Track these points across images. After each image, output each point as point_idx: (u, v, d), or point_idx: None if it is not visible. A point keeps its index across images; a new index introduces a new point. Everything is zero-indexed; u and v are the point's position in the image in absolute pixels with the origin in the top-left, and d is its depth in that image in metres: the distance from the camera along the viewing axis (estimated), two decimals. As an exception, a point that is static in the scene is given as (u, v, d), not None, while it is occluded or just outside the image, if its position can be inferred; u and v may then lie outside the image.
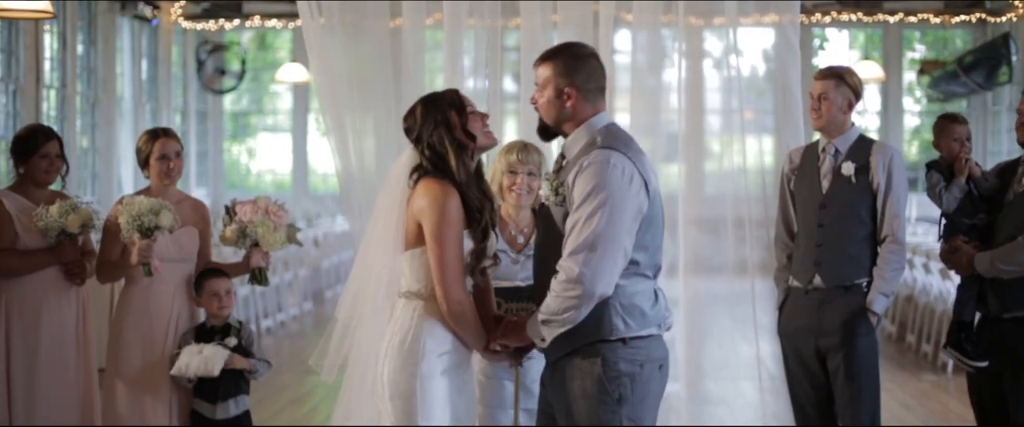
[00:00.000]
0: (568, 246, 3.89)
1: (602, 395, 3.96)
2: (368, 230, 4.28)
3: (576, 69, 4.06)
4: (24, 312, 5.62)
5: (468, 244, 4.12)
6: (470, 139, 4.13)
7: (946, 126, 5.57)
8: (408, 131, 4.20)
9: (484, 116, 4.22)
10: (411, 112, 4.21)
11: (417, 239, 4.10)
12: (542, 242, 4.16)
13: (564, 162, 4.10)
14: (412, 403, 4.04)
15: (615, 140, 4.01)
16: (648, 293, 4.04)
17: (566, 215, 3.97)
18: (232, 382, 5.48)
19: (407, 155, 4.21)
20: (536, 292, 4.11)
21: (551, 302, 3.92)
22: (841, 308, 5.48)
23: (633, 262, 3.96)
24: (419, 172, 4.14)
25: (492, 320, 4.24)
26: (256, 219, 5.46)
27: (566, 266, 3.88)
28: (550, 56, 4.12)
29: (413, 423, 4.04)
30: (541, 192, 4.13)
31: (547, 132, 4.17)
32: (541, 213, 4.17)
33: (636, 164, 3.96)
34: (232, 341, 5.49)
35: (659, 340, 4.08)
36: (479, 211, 4.12)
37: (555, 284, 3.90)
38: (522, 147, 5.03)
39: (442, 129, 4.11)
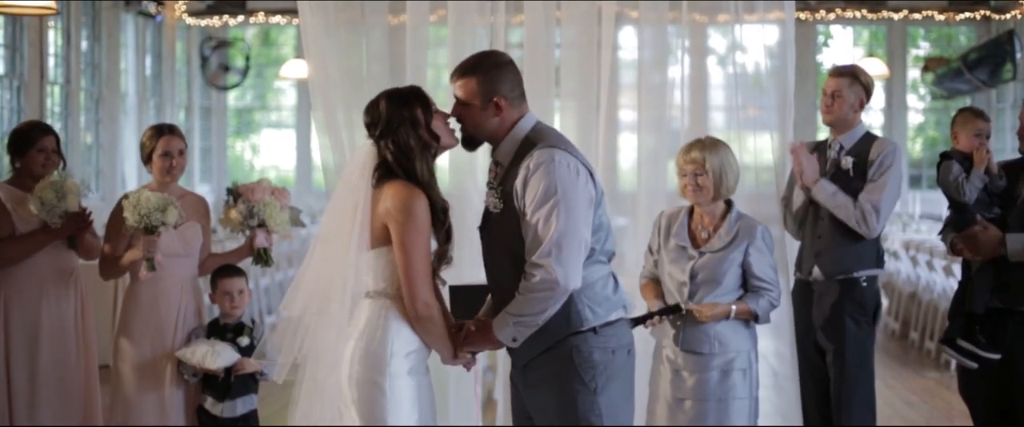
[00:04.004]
0: (533, 249, 3.89)
1: (579, 386, 3.97)
2: (325, 226, 4.13)
3: (500, 79, 4.06)
4: (24, 308, 5.63)
5: (432, 246, 4.04)
6: (433, 139, 4.05)
7: (969, 120, 5.48)
8: (370, 126, 4.07)
9: (447, 115, 4.13)
10: (374, 105, 4.07)
11: (383, 238, 4.00)
12: (489, 250, 4.15)
13: (498, 169, 4.09)
14: (380, 403, 3.96)
15: (551, 138, 4.03)
16: (607, 278, 4.08)
17: (514, 220, 3.96)
18: (242, 382, 5.48)
19: (366, 151, 4.08)
20: (492, 296, 4.13)
21: (524, 304, 3.91)
22: (837, 301, 5.52)
23: (590, 250, 3.99)
24: (382, 171, 4.04)
25: (449, 324, 4.16)
26: (265, 199, 5.50)
27: (538, 268, 3.87)
28: (471, 70, 4.07)
29: (382, 423, 3.96)
30: (487, 202, 4.09)
31: (472, 142, 4.14)
32: (486, 221, 4.14)
33: (577, 157, 3.99)
34: (244, 340, 5.50)
35: (625, 325, 4.11)
36: (443, 213, 4.06)
37: (527, 286, 3.89)
38: (686, 148, 5.08)
39: (408, 126, 4.01)
